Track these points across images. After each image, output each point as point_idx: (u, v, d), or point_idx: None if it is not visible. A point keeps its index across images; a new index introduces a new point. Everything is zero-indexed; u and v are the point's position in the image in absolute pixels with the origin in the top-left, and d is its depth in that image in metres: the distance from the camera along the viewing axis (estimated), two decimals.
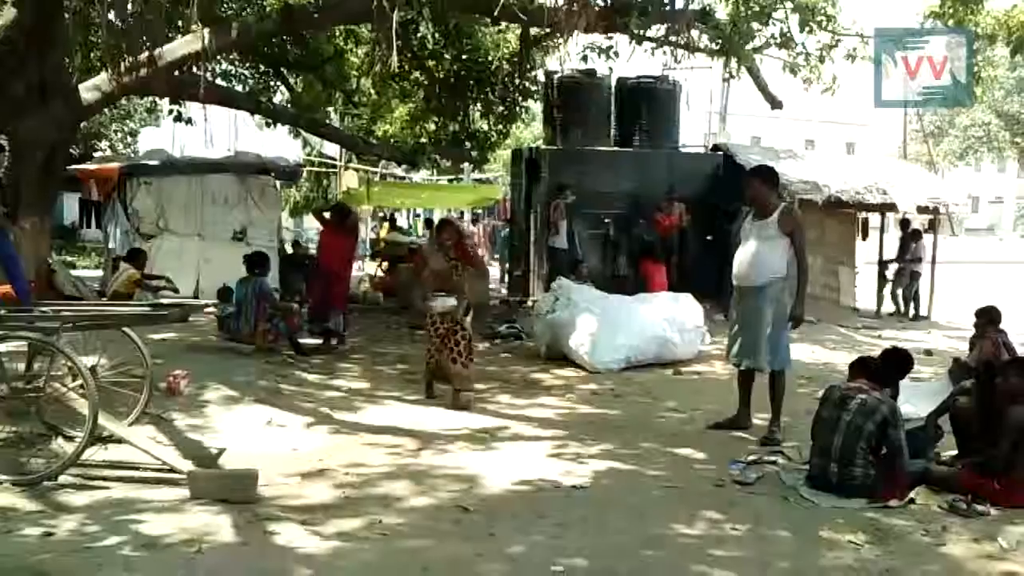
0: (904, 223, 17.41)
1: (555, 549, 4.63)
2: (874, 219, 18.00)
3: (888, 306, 16.40)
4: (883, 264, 16.63)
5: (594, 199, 14.94)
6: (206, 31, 10.56)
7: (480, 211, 28.61)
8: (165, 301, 9.30)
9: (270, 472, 5.69)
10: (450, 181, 30.25)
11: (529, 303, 14.73)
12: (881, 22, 12.46)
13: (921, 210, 16.22)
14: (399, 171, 28.40)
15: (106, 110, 20.74)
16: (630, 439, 6.99)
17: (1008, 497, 5.47)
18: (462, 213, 30.43)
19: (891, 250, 16.97)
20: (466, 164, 25.50)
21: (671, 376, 9.88)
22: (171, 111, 15.02)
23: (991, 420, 5.79)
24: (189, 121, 15.21)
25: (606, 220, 15.00)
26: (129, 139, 29.27)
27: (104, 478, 5.47)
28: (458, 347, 8.07)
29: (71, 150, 15.14)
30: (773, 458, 6.44)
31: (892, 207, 15.86)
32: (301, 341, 10.17)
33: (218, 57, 13.64)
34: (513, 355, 10.96)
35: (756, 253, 6.95)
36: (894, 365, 6.32)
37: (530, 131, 31.47)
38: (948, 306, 15.71)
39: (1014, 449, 5.52)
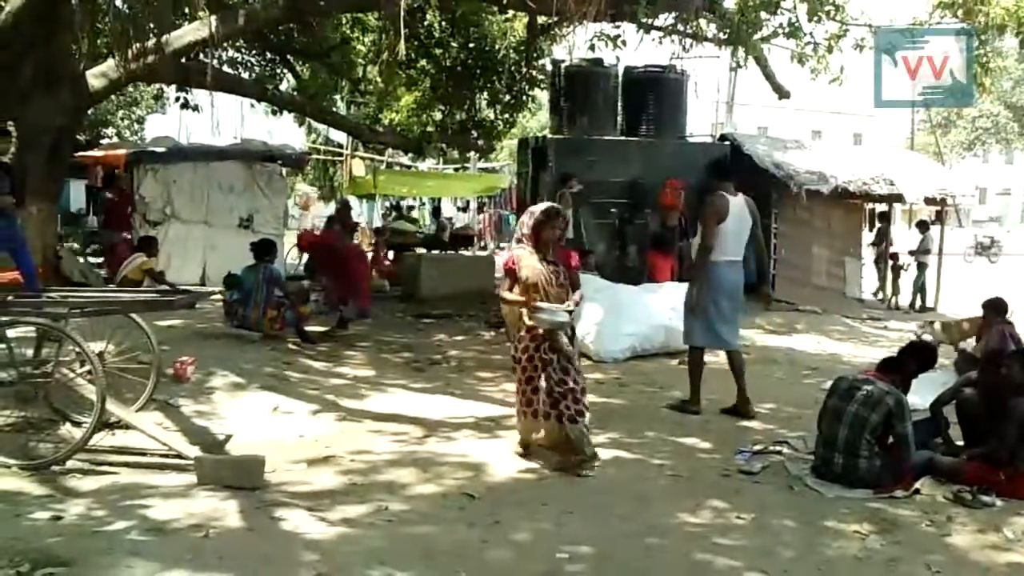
0: (921, 224, 17.36)
1: (560, 536, 4.65)
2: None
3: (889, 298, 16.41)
4: (894, 256, 16.60)
5: (601, 188, 14.89)
6: (213, 18, 10.58)
7: (486, 200, 28.57)
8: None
9: (276, 458, 5.71)
10: (456, 170, 30.22)
11: None
12: (891, 12, 12.42)
13: (928, 201, 16.19)
14: (405, 159, 28.38)
15: (113, 97, 20.78)
16: (635, 428, 7.00)
17: (1013, 488, 5.49)
18: (468, 202, 30.41)
19: (900, 242, 16.96)
20: (472, 153, 25.46)
21: (676, 366, 9.85)
22: (178, 98, 15.03)
23: (996, 411, 5.79)
24: (196, 108, 15.22)
25: (613, 210, 14.95)
26: (136, 126, 29.30)
27: (112, 463, 5.50)
28: (574, 394, 5.83)
29: (78, 137, 15.18)
30: (779, 448, 6.45)
31: (899, 198, 15.83)
32: (308, 328, 10.19)
33: (225, 44, 13.64)
34: None
35: None
36: (915, 358, 6.29)
37: (537, 120, 31.43)
38: (955, 297, 15.69)
39: (1019, 440, 5.53)
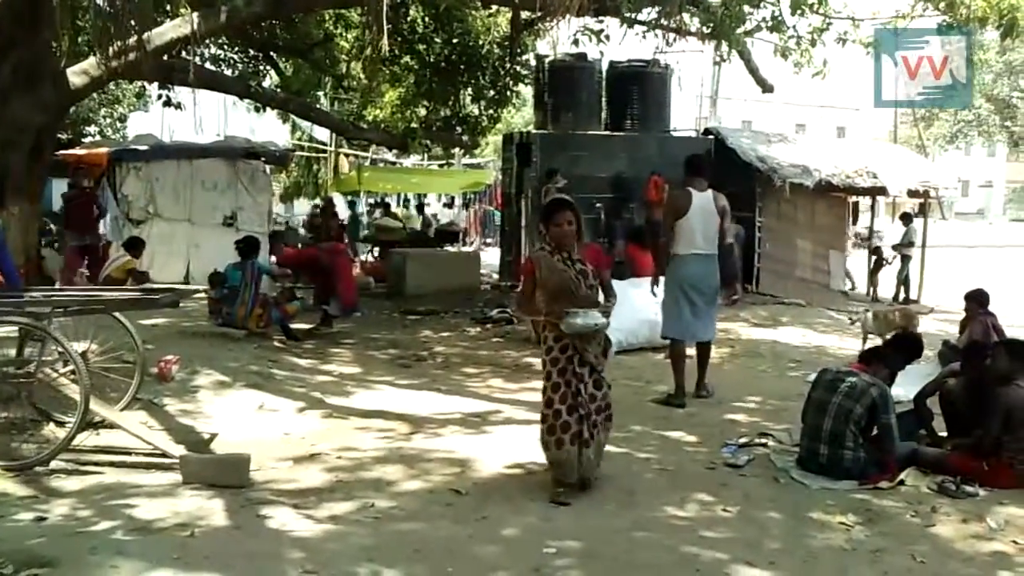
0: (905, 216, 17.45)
1: (547, 532, 4.65)
2: (864, 205, 18.08)
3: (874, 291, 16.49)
4: (877, 249, 16.68)
5: (585, 183, 14.90)
6: (195, 15, 10.52)
7: (472, 196, 28.58)
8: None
9: (262, 456, 5.70)
10: (441, 166, 30.20)
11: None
12: (874, 5, 12.45)
13: (912, 194, 16.27)
14: (390, 156, 28.34)
15: (94, 95, 20.63)
16: (621, 422, 6.97)
17: (996, 478, 5.53)
18: (453, 198, 30.40)
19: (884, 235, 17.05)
20: (457, 149, 25.44)
21: (662, 360, 9.88)
22: (160, 96, 14.98)
23: (980, 402, 5.83)
24: (178, 106, 15.16)
25: (597, 204, 14.98)
26: (118, 124, 29.07)
27: (96, 463, 5.48)
28: (608, 410, 5.40)
29: (59, 135, 15.07)
30: (764, 441, 6.47)
31: (883, 191, 15.91)
32: (293, 326, 10.17)
33: (207, 41, 13.56)
34: (505, 340, 10.97)
35: None
36: (903, 349, 6.32)
37: (521, 116, 31.41)
38: (938, 290, 15.77)
39: (1002, 430, 5.57)
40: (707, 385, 7.96)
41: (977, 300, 9.16)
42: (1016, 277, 19.27)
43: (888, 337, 7.94)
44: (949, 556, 4.52)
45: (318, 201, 22.70)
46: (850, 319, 10.15)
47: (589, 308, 5.18)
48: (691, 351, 7.98)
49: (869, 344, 9.97)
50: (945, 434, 6.28)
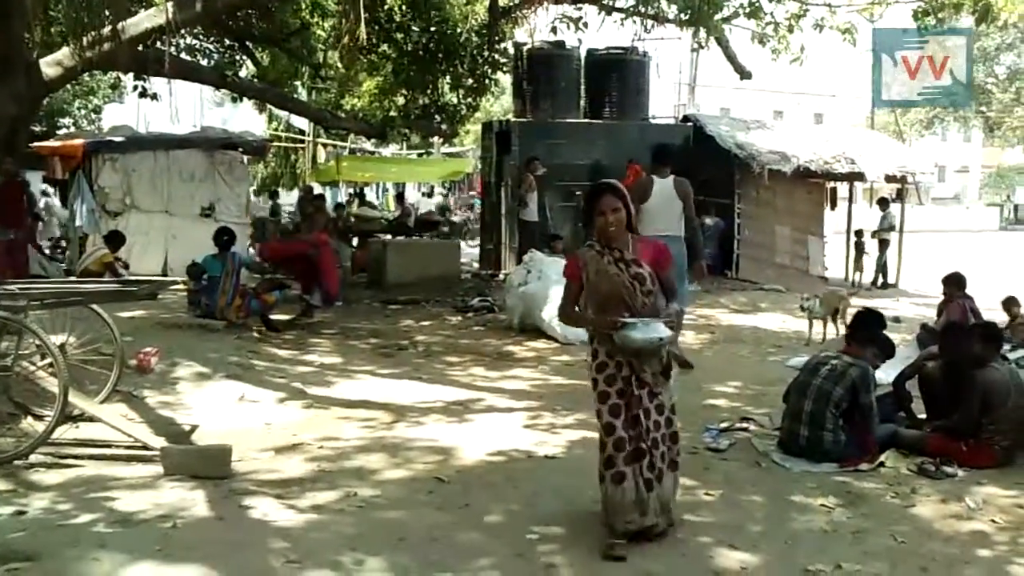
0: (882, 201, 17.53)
1: (530, 518, 4.66)
2: (843, 190, 18.17)
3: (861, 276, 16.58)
4: (858, 234, 16.76)
5: (565, 171, 14.94)
6: (170, 4, 10.41)
7: (450, 184, 28.56)
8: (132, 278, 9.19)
9: (244, 447, 5.68)
10: (420, 155, 30.11)
11: (501, 276, 14.73)
12: None
13: (889, 179, 16.37)
14: (368, 145, 28.23)
15: (69, 86, 20.45)
16: None
17: (975, 458, 5.59)
18: (433, 187, 30.33)
19: (859, 221, 17.11)
20: (436, 138, 25.37)
21: None
22: (136, 87, 14.81)
23: (958, 384, 5.88)
24: (154, 97, 15.00)
25: (576, 192, 15.00)
26: (93, 116, 28.83)
27: (76, 456, 5.44)
28: (676, 442, 4.49)
29: (33, 127, 14.91)
30: (745, 425, 6.51)
31: (860, 176, 16.00)
32: (272, 317, 10.13)
33: (183, 31, 13.44)
34: (486, 328, 10.97)
35: None
36: (865, 324, 6.35)
37: (500, 104, 31.35)
38: (916, 274, 15.89)
39: (981, 411, 5.63)
40: (681, 351, 8.19)
41: (955, 283, 9.24)
42: (992, 260, 19.47)
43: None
44: (929, 536, 4.56)
45: (318, 190, 22.46)
46: (801, 306, 10.29)
47: (649, 318, 4.30)
48: (682, 336, 8.00)
49: (816, 329, 10.13)
50: (924, 416, 6.34)
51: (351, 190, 27.53)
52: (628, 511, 4.26)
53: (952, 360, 6.12)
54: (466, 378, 8.22)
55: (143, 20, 10.69)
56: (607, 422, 4.33)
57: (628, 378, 4.32)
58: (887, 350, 6.11)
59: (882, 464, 5.61)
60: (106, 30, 10.01)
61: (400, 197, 27.43)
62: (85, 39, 10.11)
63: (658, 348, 4.29)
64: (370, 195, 29.85)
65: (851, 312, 8.21)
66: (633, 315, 4.27)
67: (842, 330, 9.09)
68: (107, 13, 9.93)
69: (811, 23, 11.60)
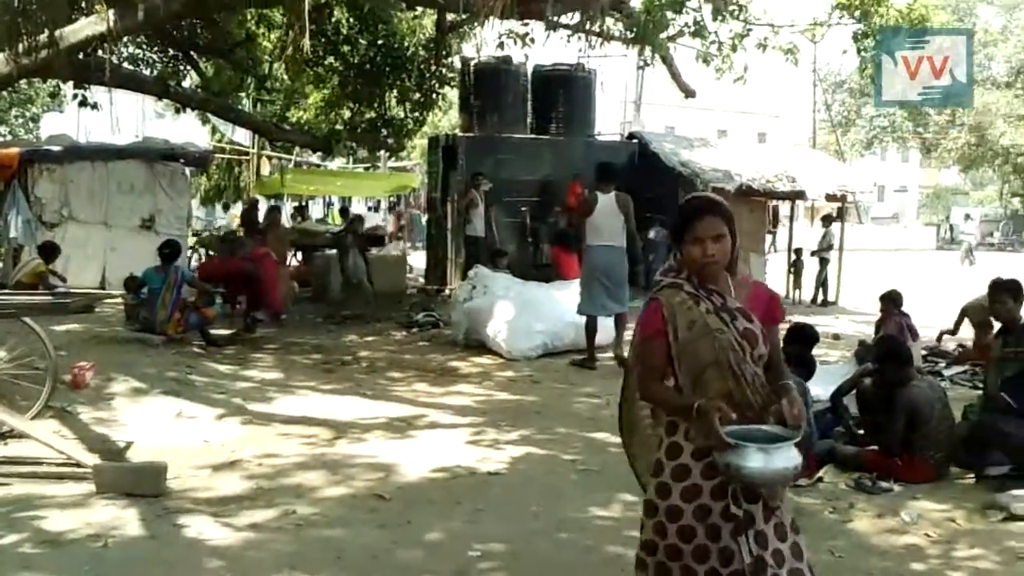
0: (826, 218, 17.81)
1: (472, 535, 4.63)
2: (785, 208, 18.45)
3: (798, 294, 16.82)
4: (797, 252, 17.00)
5: (511, 187, 14.95)
6: (111, 12, 10.21)
7: (395, 199, 28.43)
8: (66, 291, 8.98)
9: (180, 464, 5.57)
10: (366, 169, 29.94)
11: (447, 291, 14.68)
12: (791, 13, 12.70)
13: (829, 198, 16.65)
14: (314, 158, 28.00)
15: (5, 94, 19.99)
16: (547, 424, 7.02)
17: (911, 473, 5.69)
18: (378, 202, 30.17)
19: (800, 239, 17.39)
20: (382, 152, 25.25)
21: (567, 365, 9.89)
22: (75, 96, 14.50)
23: (888, 401, 5.98)
24: (94, 106, 14.71)
25: (523, 208, 15.03)
26: (31, 124, 28.27)
27: (3, 475, 5.26)
28: None
29: None
30: None
31: (801, 195, 16.24)
32: (213, 331, 9.97)
33: (125, 39, 13.21)
34: (431, 343, 10.90)
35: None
36: (797, 340, 6.42)
37: (448, 119, 31.32)
38: (855, 292, 16.16)
39: (909, 429, 5.72)
40: (623, 348, 8.78)
41: (892, 300, 9.40)
42: (929, 278, 19.90)
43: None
44: (866, 551, 4.62)
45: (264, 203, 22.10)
46: None
47: (766, 424, 2.81)
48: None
49: None
50: (862, 432, 6.43)
51: (295, 203, 27.26)
52: None
53: (885, 377, 6.20)
54: (410, 394, 8.15)
55: (83, 27, 10.46)
56: (682, 565, 2.83)
57: (727, 508, 2.80)
58: (809, 368, 6.19)
59: (820, 479, 5.69)
60: (43, 37, 9.78)
61: (345, 211, 27.19)
62: (21, 46, 9.87)
63: (786, 477, 2.82)
64: (316, 210, 29.60)
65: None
66: (744, 409, 2.82)
67: None
68: (44, 19, 9.70)
69: (754, 43, 11.76)
